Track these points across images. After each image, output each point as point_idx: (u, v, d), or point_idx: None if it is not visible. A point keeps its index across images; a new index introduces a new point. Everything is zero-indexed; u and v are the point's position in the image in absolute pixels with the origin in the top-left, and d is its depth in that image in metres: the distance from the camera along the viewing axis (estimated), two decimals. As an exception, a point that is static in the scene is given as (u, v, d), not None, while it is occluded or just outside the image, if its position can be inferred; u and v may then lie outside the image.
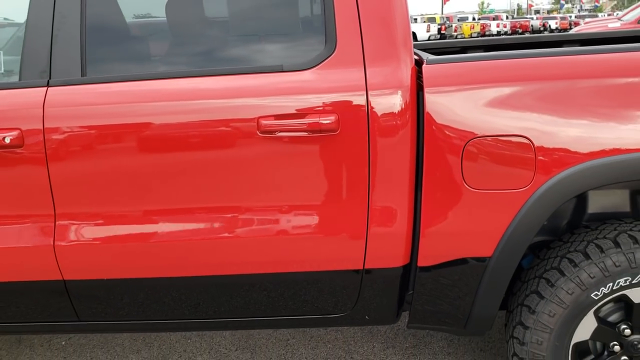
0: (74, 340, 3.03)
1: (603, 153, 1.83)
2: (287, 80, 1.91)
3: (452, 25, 37.02)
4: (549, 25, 47.49)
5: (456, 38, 33.72)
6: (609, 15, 49.60)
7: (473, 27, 40.80)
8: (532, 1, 78.14)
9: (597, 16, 54.06)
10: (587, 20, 31.25)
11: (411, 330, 2.97)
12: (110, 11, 2.12)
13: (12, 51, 2.36)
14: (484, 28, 41.33)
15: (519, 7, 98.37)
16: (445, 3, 33.45)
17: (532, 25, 47.02)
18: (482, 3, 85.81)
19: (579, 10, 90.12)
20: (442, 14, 43.68)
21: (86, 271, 2.03)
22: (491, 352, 2.76)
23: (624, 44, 2.10)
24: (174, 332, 3.05)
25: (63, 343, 3.02)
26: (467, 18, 50.69)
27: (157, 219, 1.97)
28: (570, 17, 56.85)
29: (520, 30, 43.13)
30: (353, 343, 2.88)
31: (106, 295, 2.08)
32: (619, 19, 18.11)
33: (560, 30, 43.55)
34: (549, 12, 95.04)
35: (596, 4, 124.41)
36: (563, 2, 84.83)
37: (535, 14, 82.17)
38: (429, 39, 28.02)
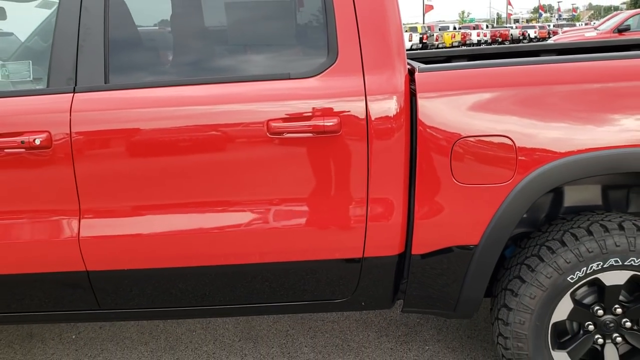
0: (84, 334, 3.19)
1: (575, 151, 2.06)
2: (293, 86, 2.11)
3: (433, 35, 37.54)
4: (528, 34, 48.32)
5: (437, 47, 34.20)
6: (586, 24, 50.55)
7: (454, 37, 41.42)
8: (512, 10, 79.31)
9: (575, 25, 55.02)
10: (565, 29, 31.94)
11: (403, 320, 3.18)
12: (129, 23, 2.31)
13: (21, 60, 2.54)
14: (464, 37, 41.99)
15: (499, 17, 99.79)
16: (426, 13, 33.97)
17: (511, 34, 47.82)
18: (463, 13, 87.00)
19: (557, 20, 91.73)
20: (423, 23, 44.28)
21: (108, 262, 2.21)
22: (478, 338, 2.97)
23: (594, 54, 2.34)
24: (184, 321, 3.23)
25: (74, 337, 3.18)
26: (448, 27, 51.30)
27: (175, 213, 2.16)
28: (549, 26, 57.78)
29: (500, 39, 43.87)
30: (349, 332, 3.08)
31: (126, 285, 2.26)
32: (595, 28, 18.63)
33: (539, 39, 44.35)
34: (528, 21, 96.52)
35: (574, 13, 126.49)
36: (542, 11, 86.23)
37: (514, 23, 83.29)
38: (411, 48, 28.43)
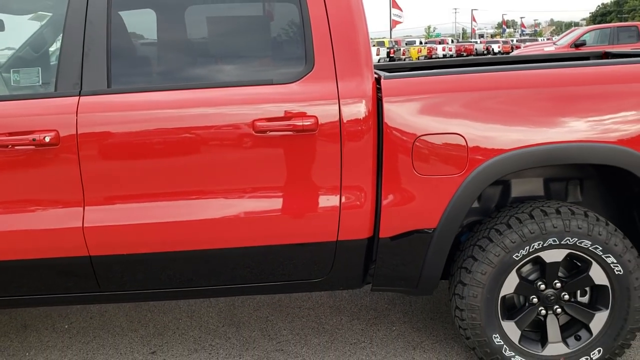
0: (75, 324, 3.42)
1: (515, 148, 2.41)
2: (276, 91, 2.42)
3: (400, 49, 38.37)
4: (492, 49, 49.67)
5: (404, 61, 34.93)
6: (548, 39, 52.13)
7: (420, 51, 42.36)
8: (476, 26, 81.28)
9: (537, 40, 56.66)
10: (527, 44, 32.99)
11: (372, 305, 3.49)
12: (127, 35, 2.58)
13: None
14: (430, 51, 42.94)
15: (464, 32, 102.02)
16: (393, 27, 34.77)
17: (476, 49, 49.08)
18: (429, 28, 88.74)
19: (520, 35, 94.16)
20: (390, 38, 45.14)
21: (109, 248, 2.47)
22: (439, 320, 3.30)
23: (532, 64, 2.71)
24: (170, 310, 3.49)
25: (66, 326, 3.40)
26: (414, 42, 52.40)
27: (171, 202, 2.43)
28: (512, 40, 59.35)
29: (465, 54, 44.99)
30: (324, 317, 3.38)
31: (125, 268, 2.52)
32: (554, 43, 19.46)
33: (502, 53, 45.59)
34: (492, 36, 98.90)
35: (536, 29, 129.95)
36: (505, 27, 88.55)
37: (479, 38, 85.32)
38: (378, 62, 29.02)
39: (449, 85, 2.50)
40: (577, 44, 16.55)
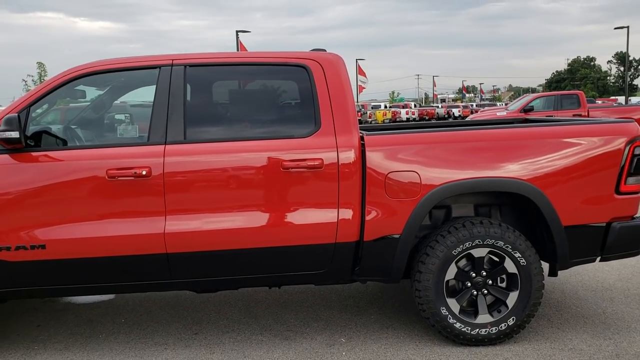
0: (129, 319, 4.48)
1: (447, 181, 3.69)
2: (296, 143, 3.67)
3: (366, 112, 40.51)
4: (453, 113, 52.43)
5: (370, 123, 36.90)
6: (505, 104, 55.24)
7: (385, 114, 44.62)
8: (437, 91, 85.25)
9: (495, 104, 59.89)
10: (484, 108, 35.39)
11: (356, 302, 4.66)
12: (201, 99, 3.82)
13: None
14: (395, 115, 45.27)
15: (426, 96, 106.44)
16: (360, 92, 36.97)
17: (437, 113, 51.74)
18: (393, 93, 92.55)
19: (480, 100, 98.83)
20: (357, 102, 47.58)
21: (180, 247, 3.61)
22: (404, 311, 4.48)
23: (465, 126, 4.03)
24: (203, 306, 4.59)
25: (123, 320, 4.47)
26: (379, 106, 54.96)
27: (225, 215, 3.61)
28: (472, 105, 62.47)
29: (427, 117, 47.48)
30: (320, 310, 4.53)
31: (189, 262, 3.66)
32: (506, 108, 21.41)
33: (462, 117, 48.22)
34: (454, 100, 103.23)
35: (494, 94, 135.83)
36: (465, 92, 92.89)
37: (441, 102, 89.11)
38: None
39: (407, 140, 3.82)
40: (526, 109, 18.41)
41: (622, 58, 50.28)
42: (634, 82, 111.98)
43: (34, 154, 3.60)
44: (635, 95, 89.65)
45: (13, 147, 3.50)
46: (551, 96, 19.45)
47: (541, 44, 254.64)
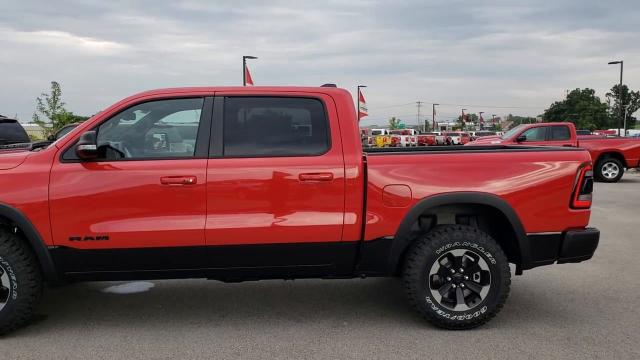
0: (165, 305, 5.32)
1: (432, 194, 4.58)
2: (311, 160, 4.57)
3: (367, 138, 41.57)
4: (452, 140, 53.56)
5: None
6: (503, 133, 56.42)
7: (385, 140, 45.70)
8: (438, 118, 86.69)
9: (494, 133, 61.14)
10: (481, 137, 36.48)
11: (355, 298, 5.52)
12: (233, 125, 4.73)
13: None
14: (394, 141, 46.35)
15: (427, 124, 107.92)
16: (361, 118, 38.12)
17: (437, 140, 52.84)
18: (394, 119, 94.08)
19: (480, 128, 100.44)
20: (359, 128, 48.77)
21: (218, 240, 4.49)
22: (396, 305, 5.33)
23: (454, 151, 4.94)
24: (227, 295, 5.43)
25: (160, 306, 5.31)
26: (380, 132, 56.10)
27: (253, 215, 4.49)
28: (472, 134, 63.60)
29: (426, 144, 48.55)
30: (325, 303, 5.38)
31: (223, 253, 4.53)
32: (500, 137, 22.40)
33: (461, 144, 49.36)
34: (454, 128, 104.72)
35: (494, 123, 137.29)
36: (465, 120, 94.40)
37: (441, 130, 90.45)
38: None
39: (401, 160, 4.74)
40: (519, 139, 19.39)
41: (620, 91, 51.84)
42: (632, 115, 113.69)
43: (100, 163, 4.50)
44: (633, 128, 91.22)
45: (88, 158, 4.40)
46: (543, 127, 20.45)
47: (541, 75, 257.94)
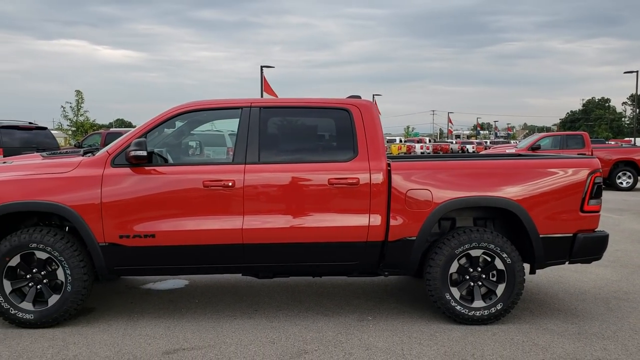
0: (202, 299, 5.73)
1: (451, 198, 4.95)
2: (339, 166, 4.96)
3: (382, 145, 41.82)
4: (467, 149, 53.71)
5: (386, 156, 38.27)
6: (518, 142, 56.54)
7: (400, 148, 46.01)
8: (452, 127, 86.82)
9: (509, 142, 61.18)
10: (496, 145, 36.66)
11: (378, 295, 5.89)
12: (271, 132, 5.13)
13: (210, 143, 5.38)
14: (409, 149, 46.65)
15: (441, 132, 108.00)
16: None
17: (451, 149, 53.04)
18: (408, 127, 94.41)
19: (495, 137, 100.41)
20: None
21: (254, 239, 4.88)
22: (418, 303, 5.69)
23: (470, 158, 5.31)
24: (259, 290, 5.83)
25: (197, 301, 5.71)
26: (395, 140, 56.39)
27: (286, 216, 4.88)
28: (486, 142, 63.67)
29: (441, 152, 48.81)
30: (351, 299, 5.75)
31: (258, 250, 4.92)
32: (515, 146, 22.65)
33: (475, 153, 49.57)
34: (468, 137, 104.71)
35: (509, 132, 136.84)
36: (480, 129, 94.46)
37: (455, 138, 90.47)
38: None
39: (423, 166, 5.12)
40: (534, 148, 19.64)
41: (636, 100, 51.72)
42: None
43: (147, 168, 4.92)
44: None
45: (138, 163, 4.82)
46: (557, 136, 20.69)
47: (556, 83, 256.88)
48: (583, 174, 5.11)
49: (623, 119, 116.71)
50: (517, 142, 62.60)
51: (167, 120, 5.07)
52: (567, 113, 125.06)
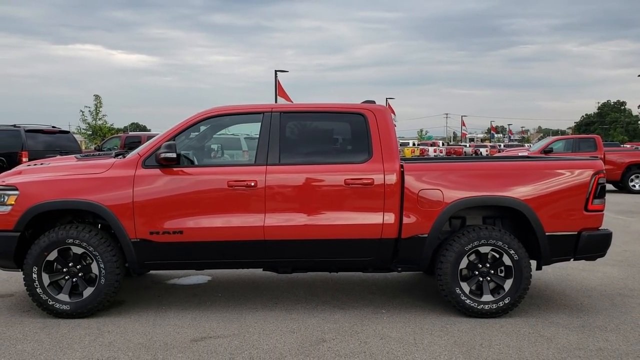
0: (231, 293, 6.06)
1: (464, 197, 5.24)
2: (355, 167, 5.27)
3: (396, 149, 42.07)
4: (480, 152, 53.77)
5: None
6: (532, 145, 56.53)
7: (414, 151, 46.21)
8: (466, 130, 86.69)
9: (523, 145, 61.15)
10: (510, 149, 36.78)
11: (391, 291, 6.18)
12: (288, 136, 5.46)
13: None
14: (422, 152, 46.83)
15: (455, 135, 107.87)
16: (390, 129, 39.11)
17: (465, 152, 53.14)
18: (421, 130, 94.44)
19: (509, 140, 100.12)
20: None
21: (275, 235, 5.20)
22: (429, 298, 5.97)
23: (480, 160, 5.59)
24: (277, 286, 6.15)
25: (220, 295, 6.04)
26: (408, 143, 56.58)
27: (304, 214, 5.20)
28: (500, 145, 63.65)
29: (454, 155, 48.96)
30: (366, 294, 6.05)
31: (278, 246, 5.24)
32: (528, 149, 22.81)
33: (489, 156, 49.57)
34: (482, 140, 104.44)
35: (523, 135, 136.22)
36: (494, 132, 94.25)
37: (469, 141, 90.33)
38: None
39: (434, 167, 5.42)
40: (546, 151, 19.80)
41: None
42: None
43: (175, 169, 5.26)
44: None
45: (168, 164, 5.17)
46: (570, 139, 20.83)
47: (571, 86, 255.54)
48: (587, 174, 5.38)
49: (639, 122, 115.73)
50: (531, 145, 62.63)
51: (194, 124, 5.42)
52: (582, 116, 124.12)
